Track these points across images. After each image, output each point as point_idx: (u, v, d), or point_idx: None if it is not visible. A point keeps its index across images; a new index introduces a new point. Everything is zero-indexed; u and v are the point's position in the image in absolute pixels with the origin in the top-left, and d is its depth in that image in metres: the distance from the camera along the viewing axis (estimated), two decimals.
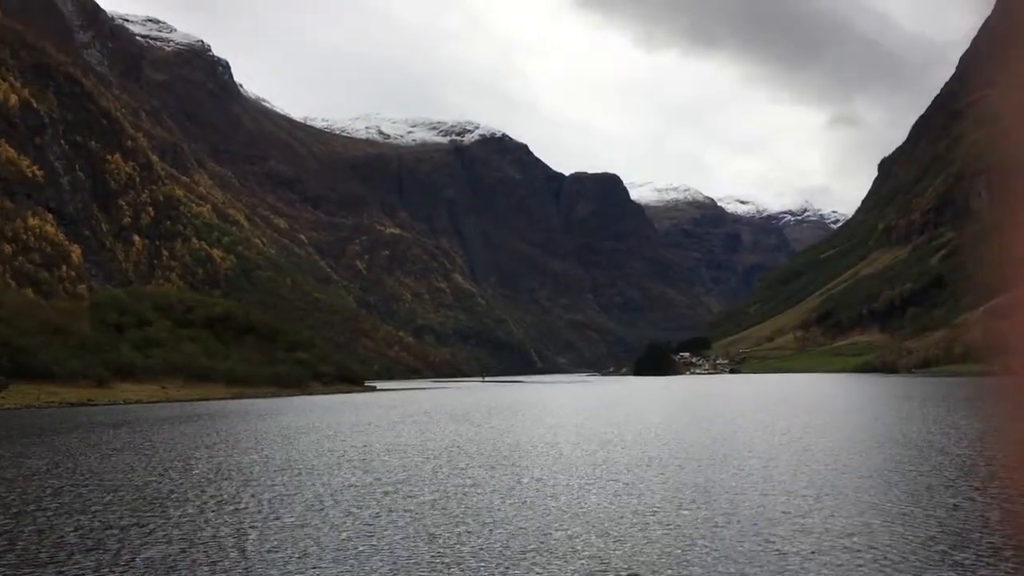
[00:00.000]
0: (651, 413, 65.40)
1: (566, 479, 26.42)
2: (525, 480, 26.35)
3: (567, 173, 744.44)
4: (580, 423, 54.87)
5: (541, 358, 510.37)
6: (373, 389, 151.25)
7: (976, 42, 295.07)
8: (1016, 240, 1.27)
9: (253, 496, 23.32)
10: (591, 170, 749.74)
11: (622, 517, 19.62)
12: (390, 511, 20.76)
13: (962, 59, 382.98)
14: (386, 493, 23.85)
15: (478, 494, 23.40)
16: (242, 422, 59.03)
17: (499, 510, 20.67)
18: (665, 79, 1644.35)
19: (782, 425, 48.19)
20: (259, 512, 20.70)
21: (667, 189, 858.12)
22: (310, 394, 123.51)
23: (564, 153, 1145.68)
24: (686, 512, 20.20)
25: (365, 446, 39.17)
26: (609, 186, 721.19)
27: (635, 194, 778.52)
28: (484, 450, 36.51)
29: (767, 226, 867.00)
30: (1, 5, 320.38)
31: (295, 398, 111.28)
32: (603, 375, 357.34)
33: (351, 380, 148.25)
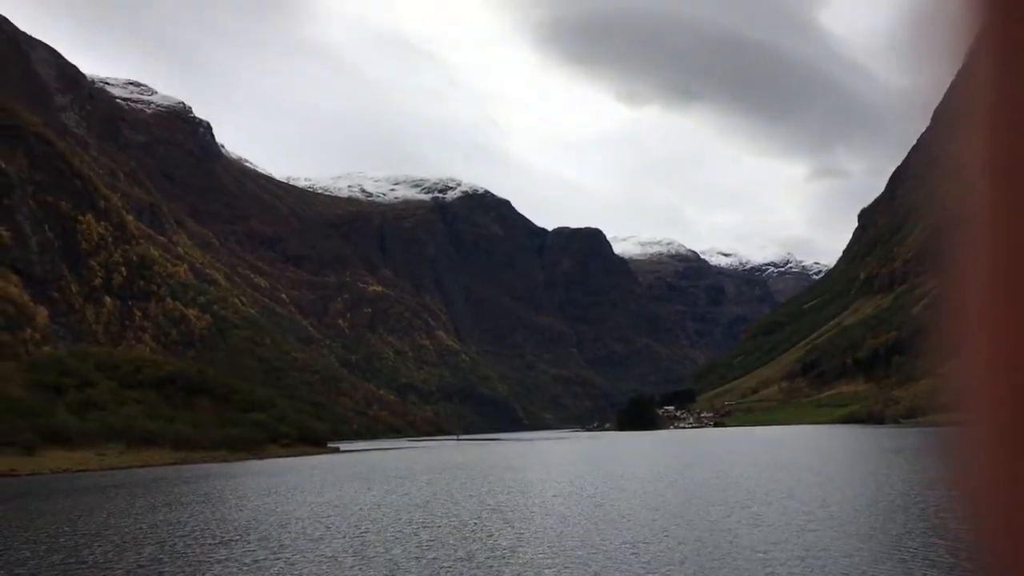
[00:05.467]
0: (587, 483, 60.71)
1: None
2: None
3: (550, 228, 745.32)
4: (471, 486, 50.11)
5: (527, 414, 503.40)
6: (336, 451, 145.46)
7: (948, 94, 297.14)
8: (951, 308, 1.24)
9: None
10: (574, 225, 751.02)
11: None
12: None
13: (937, 110, 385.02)
14: None
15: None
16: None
17: None
18: (647, 133, 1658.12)
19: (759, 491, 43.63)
20: None
21: (650, 243, 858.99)
22: (263, 458, 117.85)
23: (547, 208, 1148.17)
24: None
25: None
26: (592, 240, 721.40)
27: (618, 248, 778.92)
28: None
29: (750, 278, 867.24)
30: None
31: (245, 462, 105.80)
32: (587, 430, 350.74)
33: (314, 441, 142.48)
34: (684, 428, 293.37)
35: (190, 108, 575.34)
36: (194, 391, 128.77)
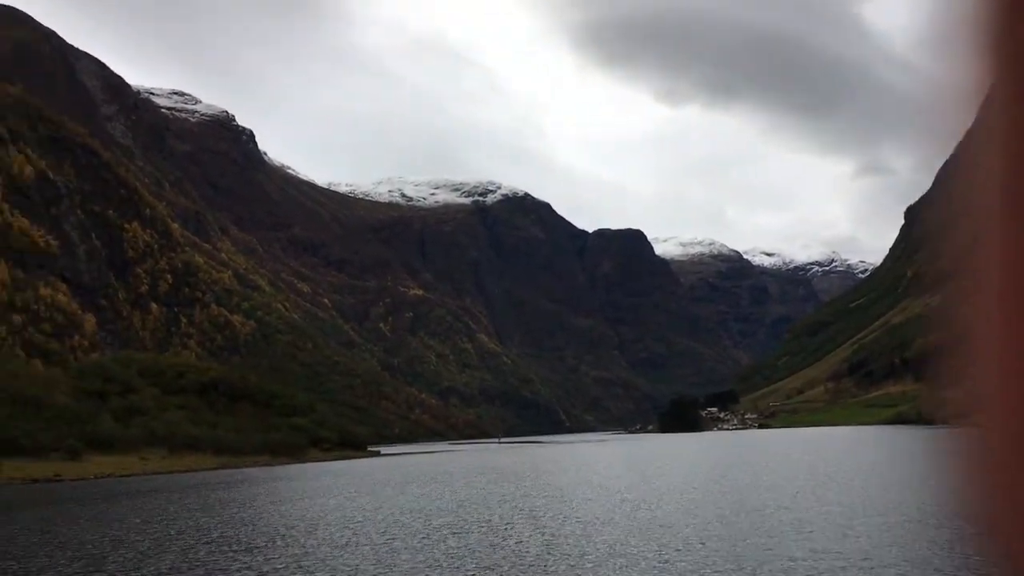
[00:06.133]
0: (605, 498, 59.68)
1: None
2: None
3: (590, 230, 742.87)
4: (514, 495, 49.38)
5: (569, 417, 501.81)
6: (377, 454, 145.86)
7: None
8: (964, 316, 1.21)
9: None
10: (615, 226, 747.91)
11: None
12: None
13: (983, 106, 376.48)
14: None
15: None
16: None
17: None
18: (688, 132, 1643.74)
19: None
20: None
21: (692, 243, 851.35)
22: (305, 461, 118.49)
23: (587, 210, 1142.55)
24: None
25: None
26: (633, 242, 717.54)
27: (659, 249, 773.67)
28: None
29: (794, 277, 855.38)
30: (26, 81, 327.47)
31: (286, 467, 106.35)
32: (629, 433, 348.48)
33: (354, 445, 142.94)
34: (727, 430, 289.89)
35: (233, 117, 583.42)
36: (236, 396, 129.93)
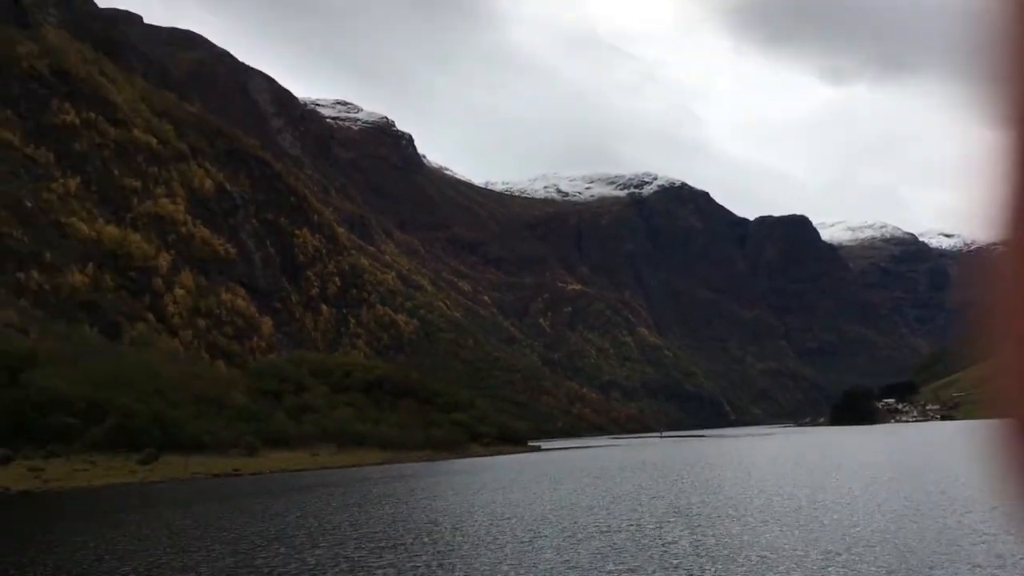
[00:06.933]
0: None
1: None
2: None
3: (751, 218, 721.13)
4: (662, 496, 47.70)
5: (734, 409, 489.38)
6: (537, 449, 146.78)
7: None
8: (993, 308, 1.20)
9: None
10: (777, 213, 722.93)
11: None
12: None
13: None
14: None
15: None
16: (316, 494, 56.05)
17: None
18: (854, 111, 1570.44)
19: None
20: None
21: (861, 227, 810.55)
22: (466, 456, 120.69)
23: (747, 198, 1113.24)
24: None
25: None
26: (797, 228, 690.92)
27: (826, 234, 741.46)
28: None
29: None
30: (203, 99, 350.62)
31: (447, 462, 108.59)
32: (798, 425, 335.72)
33: (513, 440, 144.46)
34: (907, 422, 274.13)
35: (393, 123, 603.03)
36: (399, 394, 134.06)
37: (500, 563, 23.16)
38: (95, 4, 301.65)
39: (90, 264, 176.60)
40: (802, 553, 23.46)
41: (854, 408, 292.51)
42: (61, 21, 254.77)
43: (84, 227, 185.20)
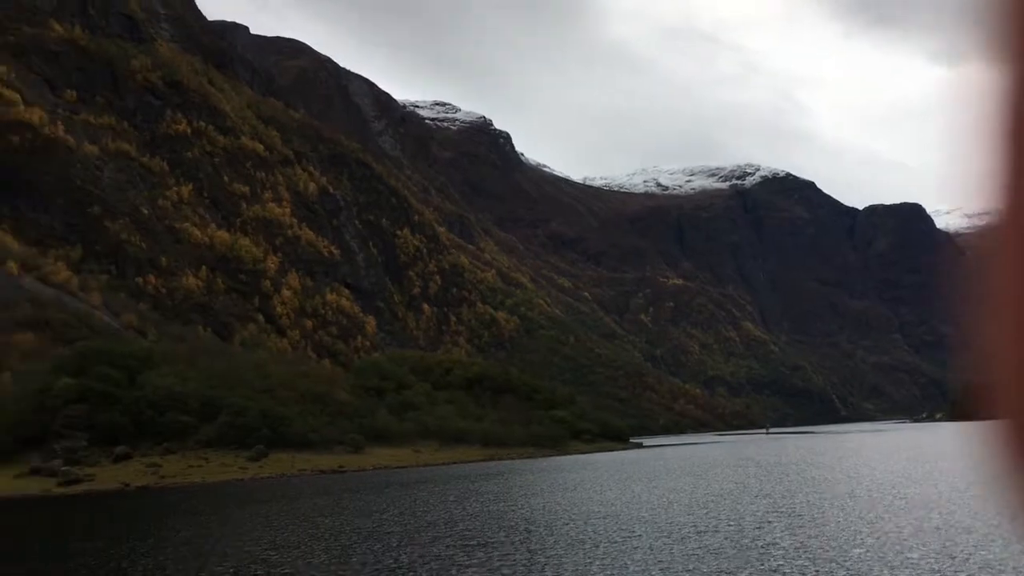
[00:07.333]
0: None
1: None
2: None
3: (860, 207, 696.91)
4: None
5: (845, 405, 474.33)
6: (639, 446, 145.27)
7: None
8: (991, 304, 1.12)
9: None
10: (888, 201, 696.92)
11: None
12: None
13: None
14: None
15: None
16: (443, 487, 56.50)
17: None
18: (970, 92, 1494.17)
19: None
20: None
21: (980, 214, 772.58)
22: (567, 454, 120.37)
23: (856, 186, 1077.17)
24: None
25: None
26: (910, 216, 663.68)
27: (941, 222, 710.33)
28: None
29: None
30: (306, 105, 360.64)
31: (548, 459, 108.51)
32: (914, 421, 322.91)
33: (615, 437, 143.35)
34: None
35: (491, 121, 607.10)
36: (499, 390, 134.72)
37: (590, 564, 22.78)
38: (204, 17, 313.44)
39: (203, 268, 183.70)
40: (914, 557, 22.30)
41: (975, 402, 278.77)
42: (173, 35, 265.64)
43: (197, 232, 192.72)
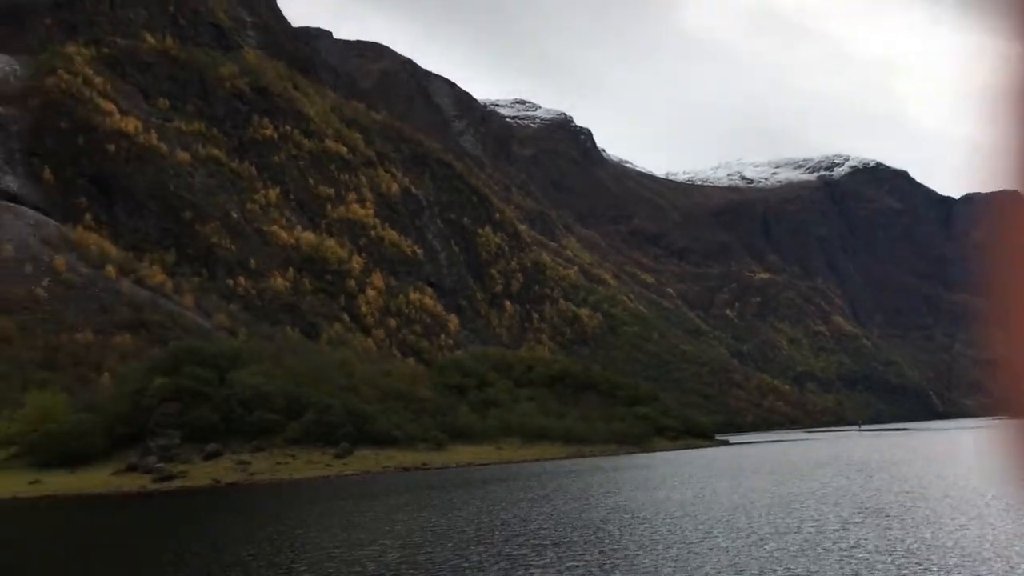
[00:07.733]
0: None
1: None
2: None
3: (957, 196, 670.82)
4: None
5: (943, 401, 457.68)
6: (725, 443, 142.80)
7: None
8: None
9: None
10: (986, 189, 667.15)
11: None
12: None
13: None
14: None
15: None
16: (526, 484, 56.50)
17: None
18: None
19: None
20: None
21: None
22: (651, 451, 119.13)
23: (951, 174, 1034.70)
24: None
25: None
26: (1011, 204, 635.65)
27: None
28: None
29: None
30: (388, 107, 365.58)
31: (631, 456, 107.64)
32: (1015, 418, 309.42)
33: (699, 434, 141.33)
34: None
35: (571, 118, 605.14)
36: (581, 387, 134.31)
37: (662, 566, 22.38)
38: (288, 23, 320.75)
39: (290, 269, 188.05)
40: (1002, 565, 21.23)
41: None
42: (258, 42, 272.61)
43: (284, 234, 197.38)
